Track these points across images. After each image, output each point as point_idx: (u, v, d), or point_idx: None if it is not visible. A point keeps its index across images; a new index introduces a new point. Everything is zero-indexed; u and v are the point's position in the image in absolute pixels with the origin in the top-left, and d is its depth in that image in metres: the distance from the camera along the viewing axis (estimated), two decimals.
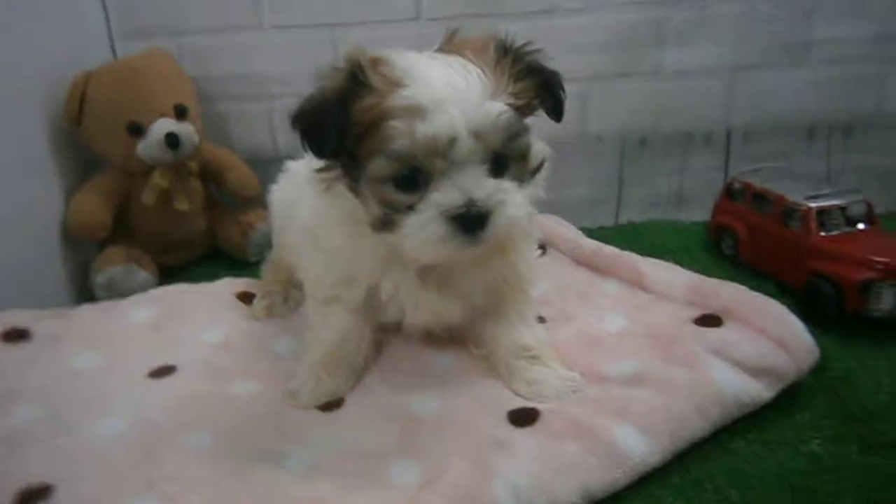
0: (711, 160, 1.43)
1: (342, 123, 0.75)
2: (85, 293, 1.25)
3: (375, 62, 0.77)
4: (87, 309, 1.09)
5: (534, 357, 0.91)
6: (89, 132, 1.23)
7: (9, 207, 1.10)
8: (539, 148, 0.83)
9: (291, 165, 1.15)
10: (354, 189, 0.79)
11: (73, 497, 0.73)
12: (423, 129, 0.72)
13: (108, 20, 1.38)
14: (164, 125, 1.22)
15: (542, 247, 1.23)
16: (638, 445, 0.77)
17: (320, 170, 0.82)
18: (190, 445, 0.80)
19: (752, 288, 1.17)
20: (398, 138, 0.73)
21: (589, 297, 1.07)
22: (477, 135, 0.73)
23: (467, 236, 0.74)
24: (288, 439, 0.81)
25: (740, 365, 0.86)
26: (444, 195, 0.74)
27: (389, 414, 0.84)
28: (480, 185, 0.74)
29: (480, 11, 1.35)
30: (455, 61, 0.76)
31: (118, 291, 1.21)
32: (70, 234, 1.23)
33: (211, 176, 1.36)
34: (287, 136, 1.45)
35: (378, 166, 0.75)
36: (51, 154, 1.22)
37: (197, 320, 1.06)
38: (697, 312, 0.97)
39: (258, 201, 1.41)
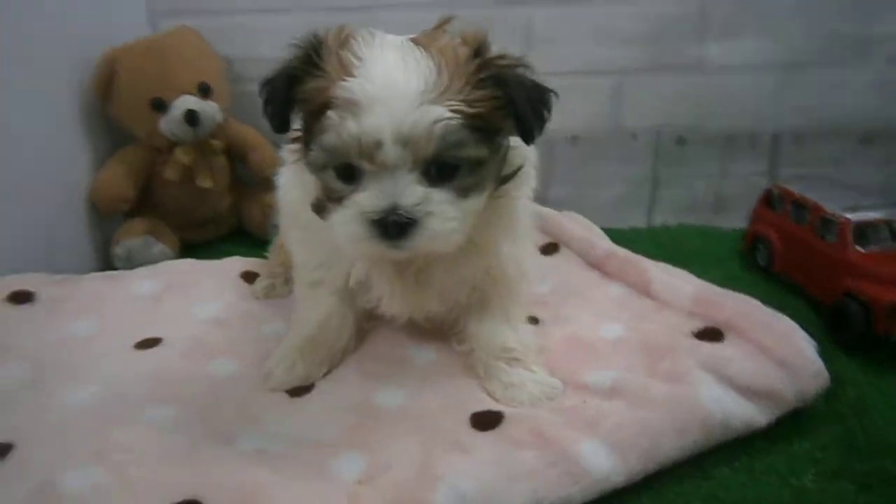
0: (755, 164, 1.34)
1: (286, 101, 0.74)
2: (108, 264, 1.29)
3: (344, 42, 0.73)
4: (93, 277, 1.12)
5: (515, 359, 0.86)
6: (116, 107, 1.26)
7: (37, 177, 1.14)
8: (518, 154, 0.79)
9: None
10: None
11: (27, 458, 0.74)
12: (351, 127, 0.68)
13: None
14: (186, 102, 1.23)
15: (555, 245, 1.18)
16: (603, 462, 0.72)
17: (291, 140, 0.80)
18: (150, 419, 0.80)
19: (780, 302, 1.09)
20: (330, 131, 0.69)
21: (590, 300, 1.01)
22: (405, 141, 0.68)
23: (387, 241, 0.70)
24: (245, 422, 0.80)
25: (734, 383, 0.80)
26: (367, 197, 0.70)
27: (352, 405, 0.82)
28: (407, 193, 0.69)
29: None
30: (412, 54, 0.70)
31: (136, 262, 1.24)
32: (94, 206, 1.27)
33: (236, 155, 1.38)
34: None
35: (315, 154, 0.72)
36: (81, 126, 1.26)
37: (195, 296, 1.07)
38: (699, 325, 0.90)
39: None
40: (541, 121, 0.74)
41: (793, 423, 0.82)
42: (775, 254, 1.15)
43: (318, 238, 0.85)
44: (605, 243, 1.12)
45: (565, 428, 0.76)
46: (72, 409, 0.82)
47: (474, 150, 0.71)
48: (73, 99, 1.24)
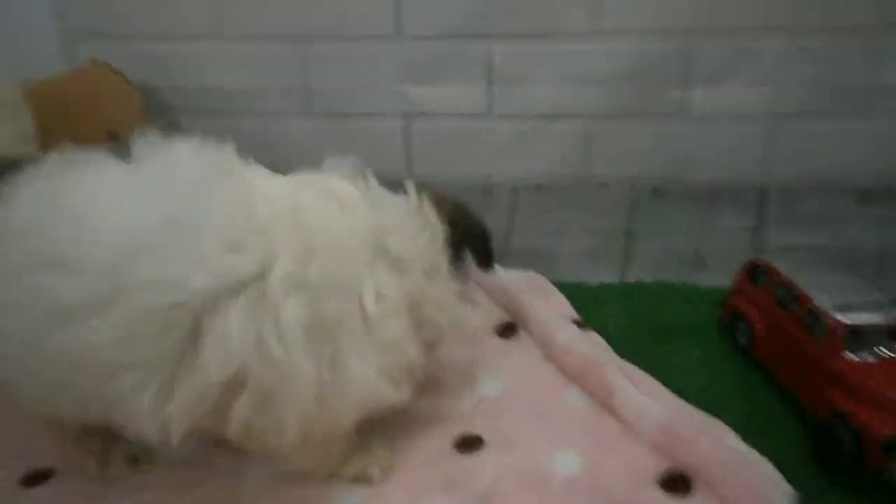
0: (741, 219, 1.20)
1: None
2: None
3: None
4: None
5: None
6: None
7: None
8: None
9: None
10: None
11: None
12: None
13: (58, 18, 1.24)
14: None
15: (514, 326, 1.05)
16: None
17: None
18: None
19: (760, 402, 1.00)
20: None
21: (545, 413, 0.89)
22: None
23: None
24: None
25: None
26: None
27: None
28: None
29: (467, 32, 1.13)
30: None
31: None
32: None
33: None
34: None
35: None
36: None
37: None
38: (665, 466, 0.78)
39: None
40: None
41: None
42: (756, 338, 1.03)
43: None
44: (562, 334, 0.99)
45: None
46: None
47: None
48: None
